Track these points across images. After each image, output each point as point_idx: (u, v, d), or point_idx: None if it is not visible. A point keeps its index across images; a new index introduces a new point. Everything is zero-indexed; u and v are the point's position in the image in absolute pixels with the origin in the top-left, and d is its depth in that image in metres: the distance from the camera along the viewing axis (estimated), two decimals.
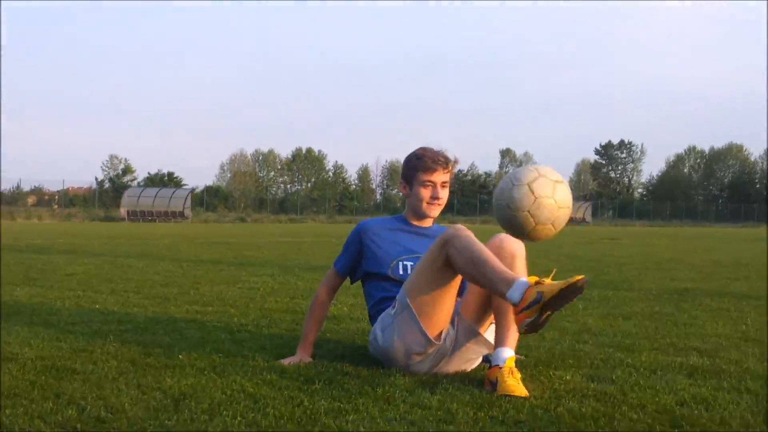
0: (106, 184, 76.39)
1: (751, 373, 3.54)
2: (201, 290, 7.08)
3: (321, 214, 68.99)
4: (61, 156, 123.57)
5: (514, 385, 3.07)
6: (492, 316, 3.44)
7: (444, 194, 3.87)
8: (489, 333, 3.49)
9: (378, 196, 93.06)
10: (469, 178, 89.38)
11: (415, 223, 3.97)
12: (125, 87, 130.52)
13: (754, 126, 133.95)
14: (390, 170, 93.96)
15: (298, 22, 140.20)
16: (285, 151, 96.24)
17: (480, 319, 3.50)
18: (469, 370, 3.57)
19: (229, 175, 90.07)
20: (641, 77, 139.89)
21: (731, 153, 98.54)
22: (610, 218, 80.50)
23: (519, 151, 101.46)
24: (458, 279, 3.38)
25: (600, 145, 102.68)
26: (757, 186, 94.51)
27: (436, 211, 3.90)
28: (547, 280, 3.00)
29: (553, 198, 3.24)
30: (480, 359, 3.60)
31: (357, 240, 3.98)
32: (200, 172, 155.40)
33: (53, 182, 72.77)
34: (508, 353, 3.25)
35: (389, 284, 3.76)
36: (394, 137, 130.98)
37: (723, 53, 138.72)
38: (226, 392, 3.01)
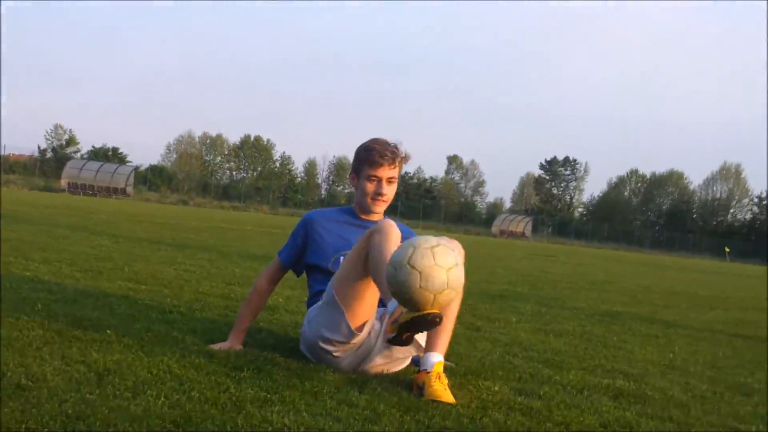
0: (49, 154, 74.81)
1: (675, 401, 3.58)
2: (135, 268, 6.97)
3: (264, 204, 68.57)
4: (3, 122, 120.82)
5: (441, 390, 3.06)
6: None
7: (389, 190, 3.80)
8: (420, 335, 3.48)
9: (323, 192, 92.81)
10: (415, 181, 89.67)
11: (364, 216, 3.89)
12: (75, 56, 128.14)
13: (695, 154, 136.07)
14: (337, 166, 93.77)
15: (254, 12, 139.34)
16: (233, 137, 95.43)
17: None
18: (397, 370, 3.56)
19: (174, 156, 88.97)
20: (589, 98, 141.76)
21: (672, 180, 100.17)
22: (549, 235, 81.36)
23: (466, 159, 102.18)
24: None
25: (545, 160, 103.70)
26: (694, 216, 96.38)
27: (380, 206, 3.83)
28: None
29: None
30: (409, 360, 3.60)
31: (302, 231, 3.93)
32: (146, 149, 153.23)
33: None
34: (436, 358, 3.24)
35: (328, 278, 3.66)
36: (342, 134, 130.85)
37: (670, 80, 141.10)
38: (152, 371, 2.97)
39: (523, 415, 2.95)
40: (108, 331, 3.69)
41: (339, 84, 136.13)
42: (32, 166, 65.61)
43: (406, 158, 3.83)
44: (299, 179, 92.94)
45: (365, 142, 3.85)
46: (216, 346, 3.63)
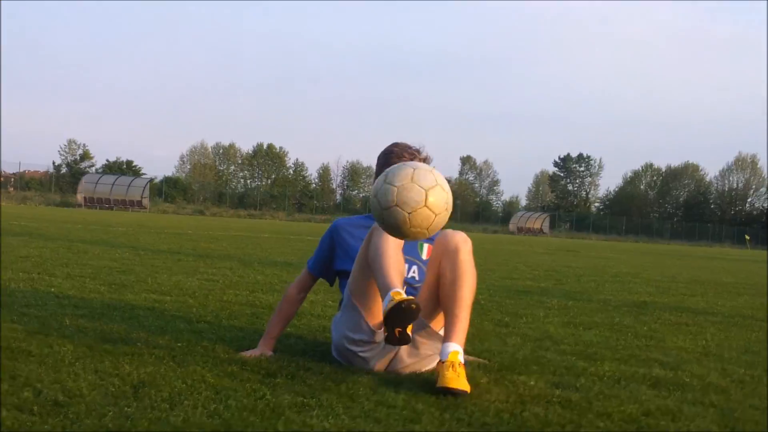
0: (64, 169, 75.20)
1: (714, 387, 3.53)
2: (159, 279, 6.98)
3: (280, 211, 68.68)
4: (18, 138, 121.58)
5: (453, 378, 3.01)
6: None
7: None
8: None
9: (338, 197, 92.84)
10: None
11: None
12: (85, 71, 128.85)
13: (710, 146, 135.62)
14: (350, 171, 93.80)
15: (263, 17, 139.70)
16: (246, 146, 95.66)
17: (431, 314, 3.48)
18: (430, 368, 3.52)
19: (188, 167, 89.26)
20: (600, 94, 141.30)
21: (687, 172, 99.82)
22: (567, 230, 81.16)
23: (479, 159, 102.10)
24: None
25: (559, 157, 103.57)
26: (712, 206, 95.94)
27: None
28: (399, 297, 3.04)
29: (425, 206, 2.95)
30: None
31: (329, 238, 3.95)
32: (160, 161, 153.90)
33: (9, 164, 71.93)
34: (451, 347, 3.16)
35: None
36: (355, 138, 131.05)
37: (682, 73, 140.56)
38: (186, 382, 2.95)
39: (563, 408, 2.91)
40: (138, 344, 3.68)
41: (348, 88, 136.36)
42: (48, 182, 65.97)
43: (426, 161, 3.80)
44: (313, 185, 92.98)
45: (387, 146, 3.83)
46: (247, 354, 3.61)
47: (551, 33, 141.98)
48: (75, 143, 79.11)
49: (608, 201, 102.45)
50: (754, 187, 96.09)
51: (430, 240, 3.65)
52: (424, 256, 3.77)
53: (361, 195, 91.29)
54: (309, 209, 77.61)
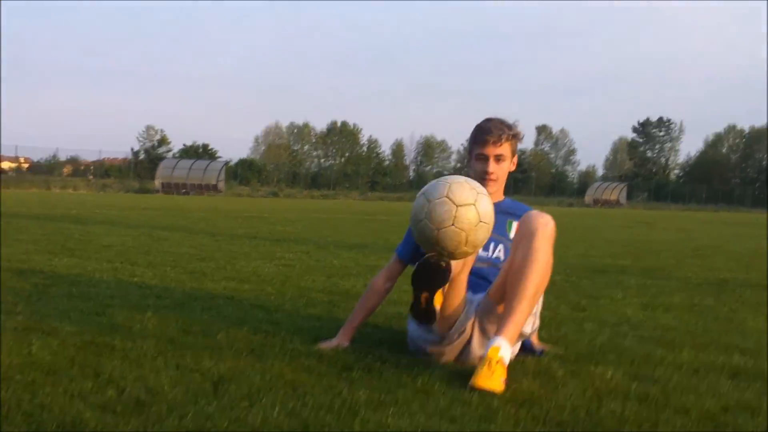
0: (142, 155, 76.75)
1: None
2: (237, 266, 7.10)
3: (354, 190, 68.99)
4: (97, 127, 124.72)
5: (485, 376, 2.92)
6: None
7: (497, 169, 3.69)
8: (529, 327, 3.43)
9: (411, 173, 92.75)
10: None
11: None
12: (162, 58, 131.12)
13: None
14: (424, 146, 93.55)
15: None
16: (320, 125, 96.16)
17: (503, 298, 3.34)
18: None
19: (263, 148, 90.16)
20: (680, 52, 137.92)
21: None
22: (645, 201, 79.64)
23: (555, 128, 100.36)
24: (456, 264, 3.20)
25: (638, 122, 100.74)
26: None
27: (490, 186, 3.66)
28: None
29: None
30: (517, 350, 3.52)
31: None
32: (235, 144, 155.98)
33: (89, 152, 73.76)
34: (494, 342, 3.07)
35: None
36: (429, 113, 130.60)
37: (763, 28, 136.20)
38: (264, 377, 3.00)
39: (640, 404, 2.87)
40: (218, 336, 3.76)
41: (422, 60, 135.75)
42: (127, 169, 67.43)
43: (518, 136, 3.75)
44: (387, 162, 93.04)
45: (480, 121, 3.78)
46: (324, 345, 3.64)
47: None
48: (153, 129, 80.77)
49: (688, 167, 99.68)
50: None
51: (518, 217, 3.57)
52: (512, 235, 3.68)
53: (434, 170, 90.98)
54: (382, 187, 77.70)
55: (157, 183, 56.73)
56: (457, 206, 2.90)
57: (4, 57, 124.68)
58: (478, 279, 3.61)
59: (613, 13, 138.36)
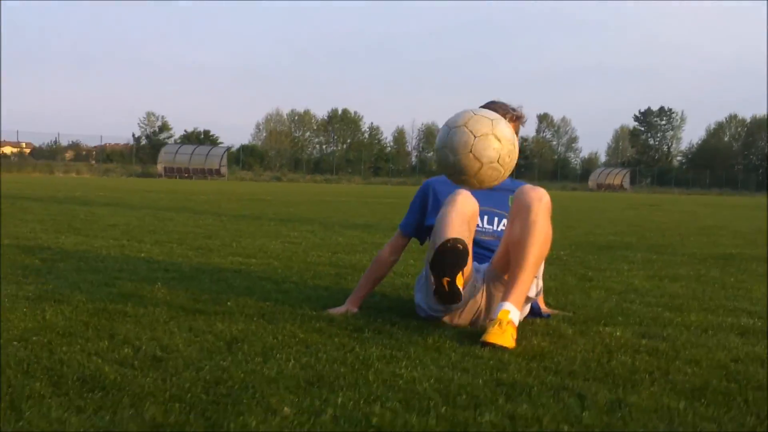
0: (143, 141, 76.74)
1: None
2: (243, 243, 7.12)
3: (356, 175, 69.01)
4: (98, 112, 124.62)
5: (497, 333, 2.98)
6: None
7: None
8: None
9: (413, 159, 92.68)
10: None
11: None
12: (162, 45, 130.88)
13: None
14: (426, 133, 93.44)
15: None
16: (321, 112, 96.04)
17: (507, 267, 3.42)
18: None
19: (264, 135, 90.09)
20: (681, 44, 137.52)
21: None
22: (649, 186, 79.68)
23: (556, 116, 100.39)
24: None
25: (639, 111, 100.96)
26: None
27: None
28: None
29: (492, 134, 3.03)
30: (526, 312, 3.56)
31: (421, 197, 3.96)
32: (236, 130, 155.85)
33: (91, 138, 73.72)
34: (501, 307, 3.13)
35: None
36: (429, 100, 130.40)
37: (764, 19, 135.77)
38: (277, 337, 3.03)
39: (650, 356, 2.91)
40: (228, 303, 3.79)
41: (422, 49, 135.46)
42: (129, 154, 67.46)
43: (521, 119, 3.79)
44: (389, 148, 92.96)
45: (484, 104, 3.81)
46: (333, 311, 3.68)
47: None
48: (153, 115, 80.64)
49: (691, 154, 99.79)
50: None
51: None
52: None
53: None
54: (385, 173, 77.72)
55: (160, 167, 56.79)
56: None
57: (4, 42, 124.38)
58: (484, 251, 3.71)
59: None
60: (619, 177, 76.37)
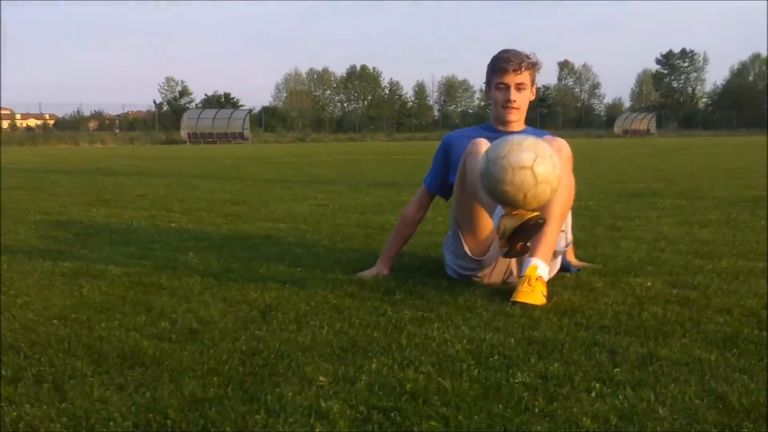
0: (165, 107, 76.77)
1: None
2: (271, 208, 7.17)
3: (380, 132, 68.77)
4: (118, 80, 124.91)
5: (526, 292, 3.00)
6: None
7: (519, 97, 3.71)
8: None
9: (436, 113, 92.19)
10: None
11: (501, 128, 3.80)
12: (176, 9, 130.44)
13: None
14: (446, 86, 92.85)
15: None
16: (339, 70, 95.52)
17: None
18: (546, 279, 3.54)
19: (284, 95, 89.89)
20: None
21: None
22: (675, 129, 78.77)
23: (577, 63, 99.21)
24: None
25: (661, 54, 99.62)
26: None
27: (513, 115, 3.74)
28: (520, 212, 2.97)
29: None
30: (557, 268, 3.57)
31: (442, 153, 3.95)
32: (256, 92, 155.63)
33: (113, 106, 73.98)
34: (530, 262, 3.14)
35: None
36: (448, 53, 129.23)
37: None
38: (310, 304, 3.07)
39: (681, 306, 2.92)
40: (260, 270, 3.83)
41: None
42: (152, 121, 67.60)
43: (536, 65, 3.76)
44: (410, 103, 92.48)
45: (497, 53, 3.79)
46: (365, 274, 3.71)
47: None
48: (173, 80, 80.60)
49: (716, 96, 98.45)
50: None
51: None
52: None
53: (458, 110, 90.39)
54: (407, 128, 77.41)
55: (184, 134, 56.83)
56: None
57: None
58: None
59: None
60: (645, 121, 75.58)
